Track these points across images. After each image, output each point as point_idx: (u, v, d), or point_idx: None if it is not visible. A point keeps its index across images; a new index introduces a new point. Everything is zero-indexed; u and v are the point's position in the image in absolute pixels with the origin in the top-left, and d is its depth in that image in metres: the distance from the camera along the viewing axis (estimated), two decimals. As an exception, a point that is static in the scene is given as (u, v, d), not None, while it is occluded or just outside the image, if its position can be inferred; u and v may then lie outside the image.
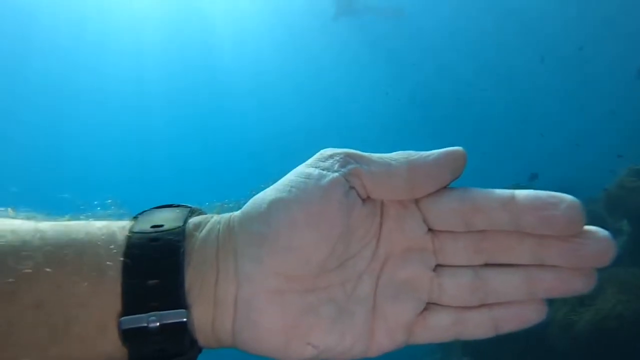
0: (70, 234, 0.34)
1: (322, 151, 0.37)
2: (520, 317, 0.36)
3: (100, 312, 0.33)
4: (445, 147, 0.36)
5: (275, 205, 0.35)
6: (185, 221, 0.36)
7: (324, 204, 0.34)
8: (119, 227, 0.36)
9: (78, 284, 0.32)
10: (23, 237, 0.33)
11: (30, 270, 0.31)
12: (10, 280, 0.31)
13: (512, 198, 0.34)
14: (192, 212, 0.39)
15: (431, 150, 0.36)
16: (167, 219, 0.36)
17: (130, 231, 0.35)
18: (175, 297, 0.33)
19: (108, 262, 0.33)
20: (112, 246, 0.34)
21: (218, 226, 0.37)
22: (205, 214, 0.39)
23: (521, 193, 0.35)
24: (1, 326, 0.31)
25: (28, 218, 0.35)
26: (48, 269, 0.32)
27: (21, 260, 0.32)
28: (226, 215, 0.38)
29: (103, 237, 0.34)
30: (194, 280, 0.34)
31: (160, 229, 0.35)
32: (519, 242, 0.35)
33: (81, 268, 0.33)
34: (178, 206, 0.39)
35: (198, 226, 0.37)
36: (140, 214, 0.38)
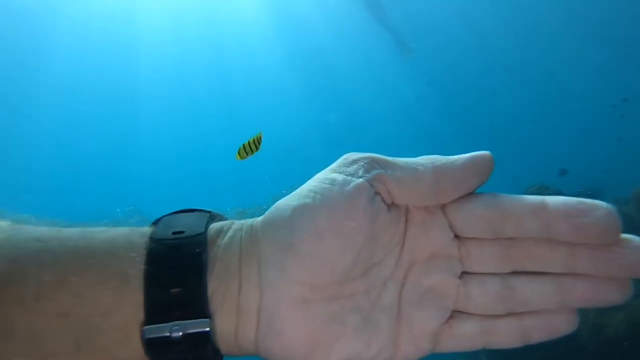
0: (91, 241, 0.34)
1: (345, 156, 0.37)
2: (550, 327, 0.35)
3: (124, 321, 0.32)
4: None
5: (299, 211, 0.34)
6: (207, 227, 0.36)
7: (349, 210, 0.34)
8: (139, 233, 0.35)
9: (101, 293, 0.32)
10: (46, 245, 0.33)
11: (53, 279, 0.32)
12: (34, 289, 0.31)
13: (544, 205, 0.33)
14: (213, 218, 0.38)
15: (457, 152, 0.35)
16: (188, 225, 0.36)
17: (152, 238, 0.35)
18: (199, 306, 0.33)
19: (130, 271, 0.33)
20: (133, 254, 0.33)
21: (240, 233, 0.36)
22: (226, 219, 0.39)
23: (552, 200, 0.33)
24: (26, 335, 0.31)
25: (50, 224, 0.36)
26: (71, 278, 0.32)
27: (45, 268, 0.32)
28: (248, 221, 0.37)
29: (124, 244, 0.34)
30: (216, 288, 0.34)
31: (182, 235, 0.35)
32: (549, 251, 0.34)
33: (103, 277, 0.33)
34: (197, 211, 0.39)
35: (219, 233, 0.36)
36: (160, 219, 0.38)
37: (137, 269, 0.33)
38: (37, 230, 0.34)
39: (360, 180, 0.34)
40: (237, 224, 0.37)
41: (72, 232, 0.35)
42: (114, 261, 0.33)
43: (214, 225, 0.37)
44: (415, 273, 0.36)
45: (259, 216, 0.37)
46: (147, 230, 0.36)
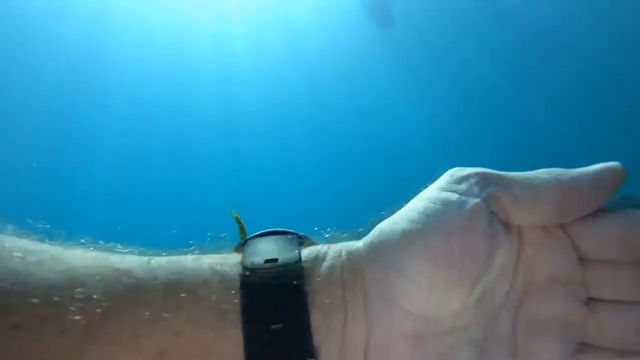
0: (181, 273, 0.31)
1: (452, 172, 0.33)
2: None
3: None
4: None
5: (410, 236, 0.31)
6: (300, 253, 0.33)
7: (468, 235, 0.30)
8: (229, 262, 0.33)
9: (198, 331, 0.30)
10: (138, 279, 0.30)
11: (149, 316, 0.29)
12: (131, 327, 0.29)
13: None
14: (302, 242, 0.35)
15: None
16: (279, 251, 0.33)
17: (245, 268, 0.32)
18: (302, 343, 0.30)
19: (225, 306, 0.30)
20: (227, 286, 0.31)
21: (339, 260, 0.33)
22: (315, 243, 0.36)
23: None
24: None
25: (139, 254, 0.33)
26: (166, 314, 0.29)
27: (140, 305, 0.29)
28: (345, 246, 0.34)
29: (216, 275, 0.31)
30: (319, 323, 0.31)
31: (277, 264, 0.32)
32: None
33: (199, 313, 0.30)
34: (282, 233, 0.36)
35: (316, 260, 0.33)
36: (245, 243, 0.35)
37: (233, 304, 0.30)
38: (125, 261, 0.32)
39: (477, 200, 0.31)
40: (333, 249, 0.34)
41: (160, 263, 0.32)
42: (208, 295, 0.30)
43: (307, 252, 0.34)
44: (533, 300, 0.33)
45: (353, 240, 0.34)
46: (236, 258, 0.33)
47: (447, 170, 0.35)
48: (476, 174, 0.33)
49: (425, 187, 0.35)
